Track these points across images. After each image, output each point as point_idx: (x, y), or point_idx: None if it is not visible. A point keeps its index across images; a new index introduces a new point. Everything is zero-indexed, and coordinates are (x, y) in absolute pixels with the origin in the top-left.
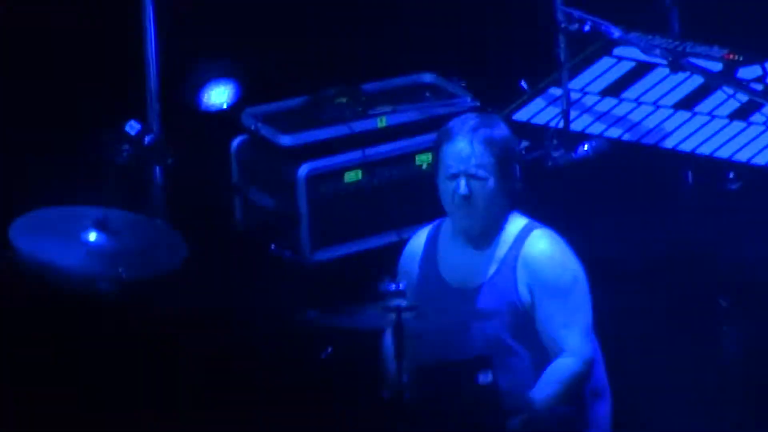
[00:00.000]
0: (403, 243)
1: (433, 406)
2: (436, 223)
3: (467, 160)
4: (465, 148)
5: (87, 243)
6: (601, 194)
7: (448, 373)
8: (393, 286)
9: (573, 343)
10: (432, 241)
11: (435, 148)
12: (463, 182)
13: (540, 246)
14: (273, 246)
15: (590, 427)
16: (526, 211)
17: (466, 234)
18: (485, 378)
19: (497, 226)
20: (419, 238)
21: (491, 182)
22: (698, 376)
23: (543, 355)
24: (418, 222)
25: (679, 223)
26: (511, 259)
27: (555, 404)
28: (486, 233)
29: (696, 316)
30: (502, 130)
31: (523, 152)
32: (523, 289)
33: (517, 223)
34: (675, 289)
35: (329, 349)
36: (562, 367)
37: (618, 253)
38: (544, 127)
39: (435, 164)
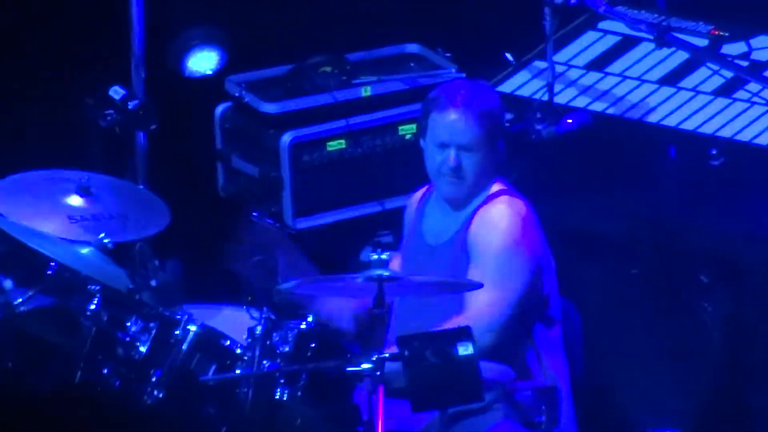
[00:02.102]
0: (385, 213)
1: (413, 374)
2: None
3: (459, 134)
4: (457, 121)
5: (69, 207)
6: (585, 168)
7: (428, 343)
8: (375, 256)
9: (475, 306)
10: (424, 199)
11: (423, 114)
12: (452, 153)
13: (493, 211)
14: (256, 213)
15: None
16: (510, 182)
17: (448, 200)
18: (465, 349)
19: (479, 193)
20: (416, 195)
21: (480, 154)
22: (678, 352)
23: None
24: (401, 192)
25: (662, 199)
26: (469, 219)
27: None
28: (467, 199)
29: (677, 292)
30: (493, 100)
31: (508, 125)
32: (470, 250)
33: (494, 188)
34: (656, 265)
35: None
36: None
37: (600, 228)
38: (529, 100)
39: (422, 129)
